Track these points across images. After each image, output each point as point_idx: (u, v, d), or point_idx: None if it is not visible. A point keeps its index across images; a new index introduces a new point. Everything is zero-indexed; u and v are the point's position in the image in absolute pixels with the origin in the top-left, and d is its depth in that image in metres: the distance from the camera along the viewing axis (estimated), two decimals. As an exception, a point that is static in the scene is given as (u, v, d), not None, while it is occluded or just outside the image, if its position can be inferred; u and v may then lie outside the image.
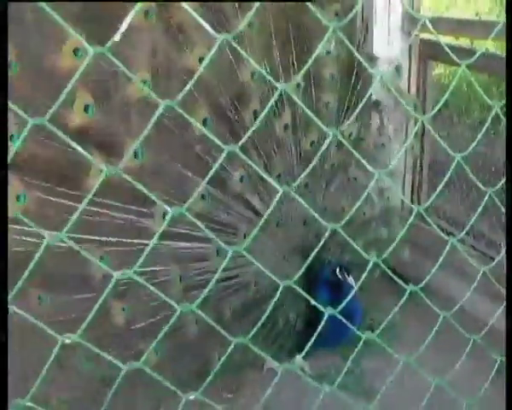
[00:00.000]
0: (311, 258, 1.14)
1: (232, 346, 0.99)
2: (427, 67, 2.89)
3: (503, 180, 1.29)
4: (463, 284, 2.26)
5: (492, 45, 3.69)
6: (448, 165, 1.28)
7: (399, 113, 2.65)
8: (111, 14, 1.73)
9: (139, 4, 0.89)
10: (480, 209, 1.34)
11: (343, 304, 1.13)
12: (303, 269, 1.12)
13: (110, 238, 1.92)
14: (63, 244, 0.90)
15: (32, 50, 1.67)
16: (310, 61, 1.01)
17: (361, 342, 1.19)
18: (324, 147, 1.11)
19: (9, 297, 0.83)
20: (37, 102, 1.48)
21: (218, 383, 2.02)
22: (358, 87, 2.50)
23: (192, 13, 0.91)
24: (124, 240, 1.95)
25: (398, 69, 2.66)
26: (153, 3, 1.87)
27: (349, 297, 1.16)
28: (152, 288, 0.97)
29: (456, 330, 1.38)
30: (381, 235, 2.68)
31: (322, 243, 1.12)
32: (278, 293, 1.03)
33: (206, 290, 0.98)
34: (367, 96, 1.22)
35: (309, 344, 1.15)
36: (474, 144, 1.26)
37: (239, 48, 0.94)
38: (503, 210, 1.33)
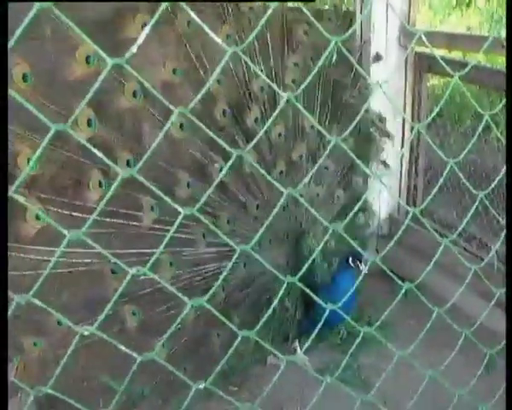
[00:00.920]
0: (311, 258, 1.21)
1: (239, 338, 1.05)
2: (422, 78, 3.01)
3: (493, 185, 1.36)
4: (456, 284, 2.33)
5: (483, 58, 3.80)
6: (442, 171, 1.35)
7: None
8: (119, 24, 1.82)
9: (155, 17, 0.95)
10: (471, 212, 1.40)
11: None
12: (303, 269, 1.17)
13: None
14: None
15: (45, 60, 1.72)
16: (313, 72, 1.08)
17: (359, 338, 1.26)
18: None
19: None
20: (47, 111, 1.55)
21: (223, 378, 2.11)
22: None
23: (203, 26, 0.96)
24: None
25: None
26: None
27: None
28: (163, 282, 1.02)
29: (447, 328, 1.44)
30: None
31: (322, 243, 1.20)
32: (282, 289, 1.09)
33: (215, 286, 1.05)
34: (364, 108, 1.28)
35: (310, 340, 1.22)
36: (466, 151, 1.33)
37: (249, 60, 1.00)
38: (494, 213, 1.40)
